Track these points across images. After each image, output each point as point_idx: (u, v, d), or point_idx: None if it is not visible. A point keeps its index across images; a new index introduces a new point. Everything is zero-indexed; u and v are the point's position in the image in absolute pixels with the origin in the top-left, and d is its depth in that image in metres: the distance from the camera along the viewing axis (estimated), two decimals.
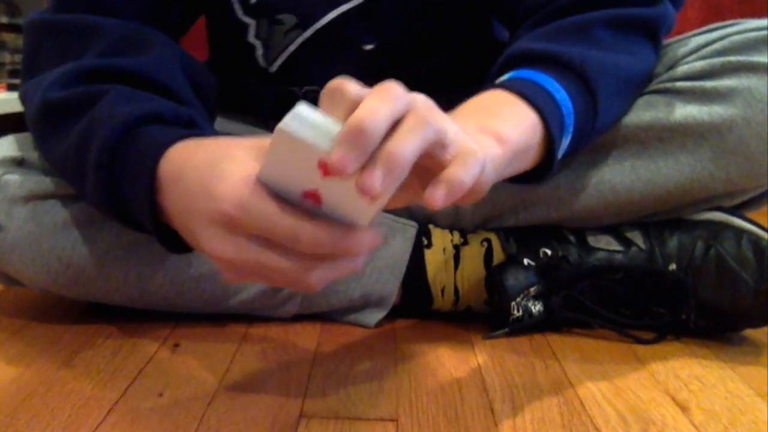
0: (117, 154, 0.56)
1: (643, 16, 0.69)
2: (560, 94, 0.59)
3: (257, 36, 0.78)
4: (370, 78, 0.81)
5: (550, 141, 0.57)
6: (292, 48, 0.78)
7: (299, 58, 0.79)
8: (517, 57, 0.63)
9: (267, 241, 0.45)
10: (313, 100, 0.43)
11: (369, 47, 0.78)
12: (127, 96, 0.60)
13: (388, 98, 0.40)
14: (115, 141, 0.56)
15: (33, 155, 0.72)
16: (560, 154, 0.60)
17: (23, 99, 0.69)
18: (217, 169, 0.46)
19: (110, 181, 0.57)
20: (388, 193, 0.42)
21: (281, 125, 0.41)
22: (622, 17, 0.68)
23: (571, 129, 0.60)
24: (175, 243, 0.56)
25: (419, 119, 0.41)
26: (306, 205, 0.44)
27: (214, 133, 0.61)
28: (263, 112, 0.87)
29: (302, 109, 0.41)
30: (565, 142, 0.60)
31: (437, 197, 0.42)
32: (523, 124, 0.55)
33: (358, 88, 0.42)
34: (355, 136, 0.39)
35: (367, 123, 0.39)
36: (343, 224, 0.44)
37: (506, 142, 0.52)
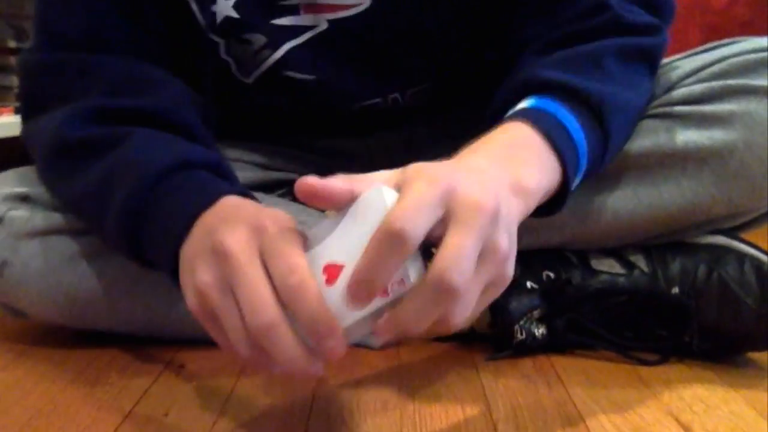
0: (148, 201, 0.56)
1: (648, 45, 0.69)
2: (578, 134, 0.59)
3: (227, 53, 0.76)
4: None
5: (564, 183, 0.57)
6: (264, 67, 0.77)
7: (276, 72, 0.77)
8: (533, 85, 0.63)
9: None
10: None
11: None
12: (154, 139, 0.61)
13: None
14: (147, 188, 0.57)
15: (37, 191, 0.72)
16: (570, 191, 0.60)
17: (28, 137, 0.70)
18: (273, 211, 0.49)
19: (136, 226, 0.57)
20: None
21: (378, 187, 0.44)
22: (629, 47, 0.68)
23: (583, 169, 0.60)
24: None
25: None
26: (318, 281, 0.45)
27: (235, 175, 0.63)
28: (252, 132, 0.87)
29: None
30: (577, 181, 0.61)
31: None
32: (548, 174, 0.55)
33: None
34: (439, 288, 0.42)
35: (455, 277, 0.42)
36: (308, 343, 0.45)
37: (532, 195, 0.52)
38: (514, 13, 0.74)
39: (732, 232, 0.77)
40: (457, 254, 0.42)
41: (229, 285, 0.46)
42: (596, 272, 0.76)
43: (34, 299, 0.70)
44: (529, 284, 0.75)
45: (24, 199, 0.72)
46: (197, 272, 0.47)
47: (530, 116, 0.58)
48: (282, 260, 0.44)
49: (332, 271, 0.44)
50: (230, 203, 0.53)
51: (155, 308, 0.72)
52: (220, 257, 0.46)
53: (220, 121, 0.76)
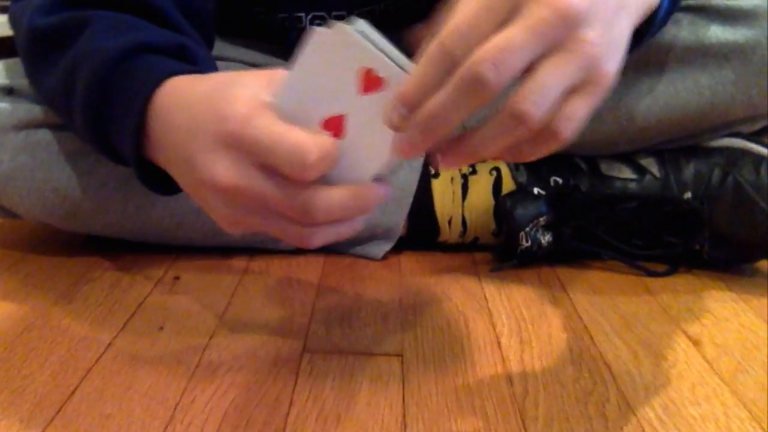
0: (105, 90, 0.53)
1: None
2: None
3: None
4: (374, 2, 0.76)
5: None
6: None
7: None
8: None
9: (271, 170, 0.42)
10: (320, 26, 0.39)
11: None
12: (113, 25, 0.56)
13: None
14: (102, 77, 0.52)
15: (23, 83, 0.69)
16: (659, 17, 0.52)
17: (12, 23, 0.66)
18: (227, 93, 0.44)
19: (99, 118, 0.54)
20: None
21: (335, 24, 0.39)
22: None
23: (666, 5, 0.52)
24: (158, 183, 0.53)
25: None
26: None
27: (208, 59, 0.57)
28: (269, 39, 0.83)
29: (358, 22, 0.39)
30: (661, 13, 0.52)
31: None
32: None
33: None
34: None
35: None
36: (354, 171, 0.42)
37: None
38: None
39: (750, 135, 0.74)
40: (499, 47, 0.35)
41: (253, 210, 0.44)
42: (606, 177, 0.73)
43: (24, 197, 0.68)
44: (536, 190, 0.72)
45: (9, 92, 0.69)
46: (211, 208, 0.46)
47: None
48: (281, 147, 0.41)
49: (335, 122, 0.41)
50: (178, 92, 0.48)
51: (148, 211, 0.70)
52: (222, 193, 0.44)
53: (220, 16, 0.71)
